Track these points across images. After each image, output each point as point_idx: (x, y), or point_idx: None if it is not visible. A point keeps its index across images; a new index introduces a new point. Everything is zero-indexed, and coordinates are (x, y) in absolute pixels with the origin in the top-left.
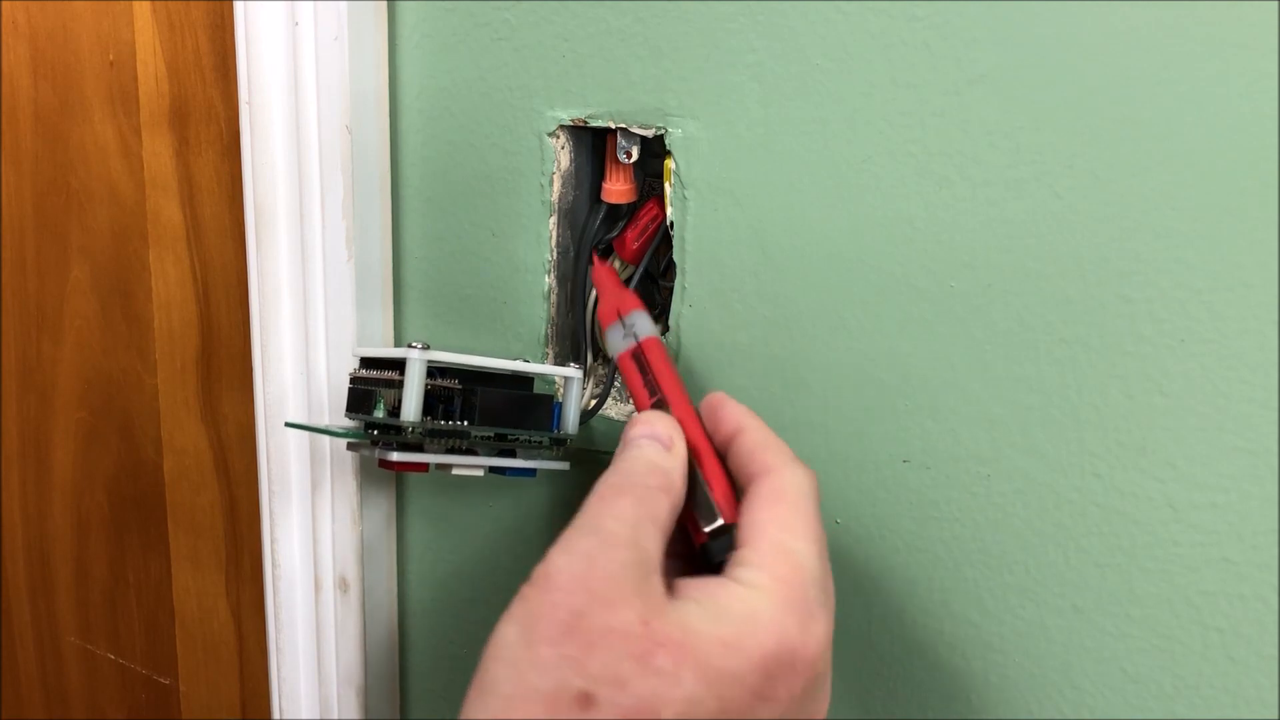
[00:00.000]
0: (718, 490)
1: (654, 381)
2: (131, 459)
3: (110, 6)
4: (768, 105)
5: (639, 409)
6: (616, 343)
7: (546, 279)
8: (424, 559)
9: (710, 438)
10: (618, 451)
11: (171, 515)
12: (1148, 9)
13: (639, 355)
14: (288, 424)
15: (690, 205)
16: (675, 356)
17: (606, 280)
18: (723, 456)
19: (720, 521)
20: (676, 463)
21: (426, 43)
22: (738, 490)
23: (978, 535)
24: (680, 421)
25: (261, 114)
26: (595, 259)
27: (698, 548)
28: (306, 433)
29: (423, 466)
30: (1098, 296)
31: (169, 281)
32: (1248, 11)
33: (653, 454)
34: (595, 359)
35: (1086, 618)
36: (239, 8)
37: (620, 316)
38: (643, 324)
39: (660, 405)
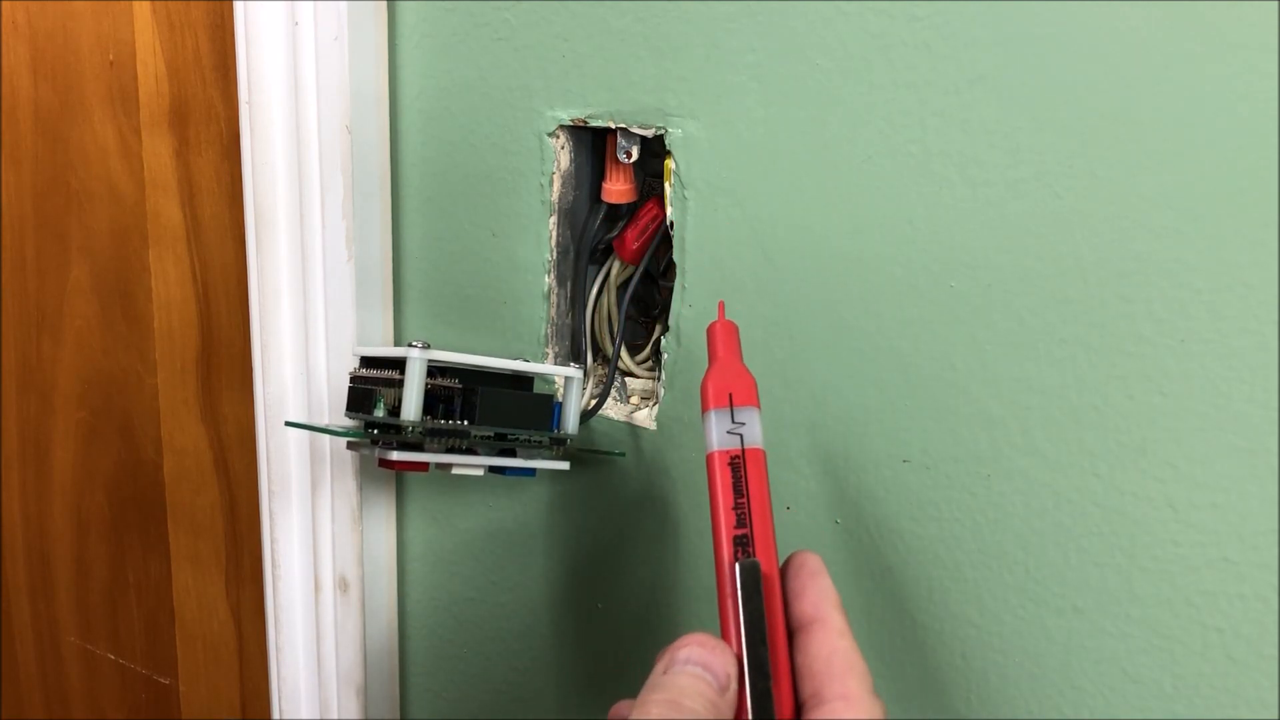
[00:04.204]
0: (784, 701)
1: (746, 509)
2: (131, 459)
3: (110, 6)
4: (768, 105)
5: (715, 522)
6: (718, 434)
7: (546, 279)
8: (424, 559)
9: (785, 608)
10: (663, 666)
11: (171, 515)
12: (1148, 9)
13: (738, 465)
14: (288, 423)
15: (690, 205)
16: (675, 357)
17: (727, 344)
18: (790, 635)
19: None
20: (729, 711)
21: (426, 43)
22: (796, 691)
23: (978, 535)
24: (764, 577)
25: (261, 114)
26: (721, 310)
27: None
28: (306, 432)
29: (423, 466)
30: (1098, 296)
31: (169, 281)
32: (1248, 11)
33: (710, 693)
34: (595, 359)
35: (1086, 618)
36: (239, 8)
37: (732, 405)
38: (755, 428)
39: (743, 542)
